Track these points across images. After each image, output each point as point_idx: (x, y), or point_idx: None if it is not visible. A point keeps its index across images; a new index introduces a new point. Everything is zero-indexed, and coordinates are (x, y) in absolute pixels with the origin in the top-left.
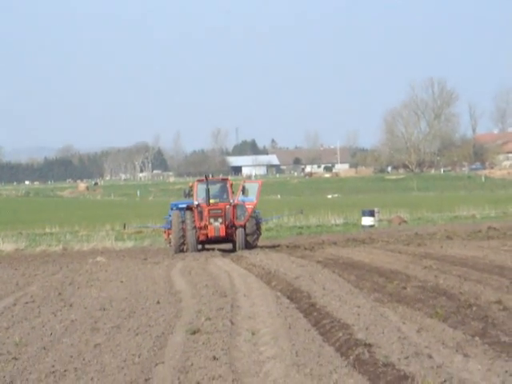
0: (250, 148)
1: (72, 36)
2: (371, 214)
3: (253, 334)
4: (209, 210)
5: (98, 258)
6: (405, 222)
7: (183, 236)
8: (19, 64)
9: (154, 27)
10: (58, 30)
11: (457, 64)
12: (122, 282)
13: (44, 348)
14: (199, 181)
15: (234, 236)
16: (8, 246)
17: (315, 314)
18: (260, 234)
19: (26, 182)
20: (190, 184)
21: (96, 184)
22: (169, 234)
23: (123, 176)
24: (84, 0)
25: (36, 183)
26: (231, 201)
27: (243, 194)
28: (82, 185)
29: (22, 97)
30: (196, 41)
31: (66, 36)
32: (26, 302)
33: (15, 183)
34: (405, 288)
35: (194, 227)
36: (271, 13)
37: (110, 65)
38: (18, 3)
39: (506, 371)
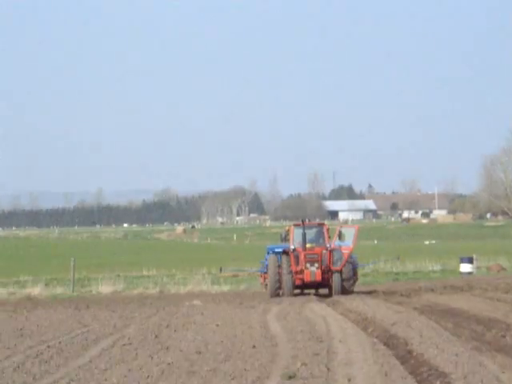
0: (346, 193)
1: (174, 81)
2: (470, 260)
3: (349, 380)
4: (305, 255)
5: (195, 302)
6: (504, 269)
7: (279, 280)
8: (118, 104)
9: (254, 73)
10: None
11: None
12: (217, 325)
13: None
14: (296, 225)
15: (330, 281)
16: (106, 288)
17: (412, 361)
18: (357, 279)
19: (125, 225)
20: (287, 228)
21: (193, 227)
22: (265, 278)
23: (220, 219)
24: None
25: (134, 226)
26: (328, 245)
27: (340, 238)
28: (179, 228)
29: (122, 140)
30: (295, 81)
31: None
32: (124, 344)
33: (114, 226)
34: (504, 336)
35: (291, 271)
36: (371, 56)
37: (208, 105)
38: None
39: None
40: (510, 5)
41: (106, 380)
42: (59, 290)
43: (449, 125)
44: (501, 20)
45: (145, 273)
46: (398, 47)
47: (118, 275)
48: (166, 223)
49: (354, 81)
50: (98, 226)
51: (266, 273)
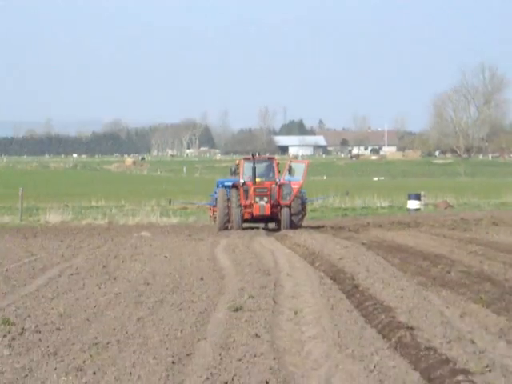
0: (297, 128)
1: (125, 13)
2: (417, 197)
3: (295, 313)
4: (254, 189)
5: (143, 233)
6: (451, 206)
7: (228, 214)
8: (72, 37)
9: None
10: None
11: (508, 50)
12: (166, 257)
13: (87, 320)
14: (246, 159)
15: (279, 215)
16: (54, 218)
17: (358, 295)
18: (305, 214)
19: (74, 155)
20: (237, 162)
21: (143, 159)
22: (214, 212)
23: (170, 152)
24: None
25: (83, 156)
26: (277, 180)
27: (289, 173)
28: (129, 159)
29: (73, 70)
30: (247, 18)
31: (120, 14)
32: (71, 274)
33: (63, 156)
34: (449, 272)
35: (240, 205)
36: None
37: (161, 40)
38: None
39: None
40: None
41: (52, 309)
42: (6, 219)
43: (401, 63)
44: None
45: (93, 203)
46: None
47: (67, 205)
48: (115, 155)
49: (307, 14)
50: (46, 156)
51: (215, 206)
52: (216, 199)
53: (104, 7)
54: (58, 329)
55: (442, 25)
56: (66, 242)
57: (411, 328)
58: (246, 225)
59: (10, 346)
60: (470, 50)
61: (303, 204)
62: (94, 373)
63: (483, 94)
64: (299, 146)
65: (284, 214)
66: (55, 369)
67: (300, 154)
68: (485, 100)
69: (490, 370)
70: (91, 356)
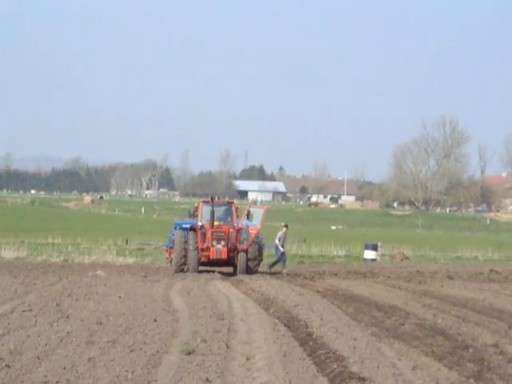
0: (257, 173)
1: (84, 48)
2: (374, 248)
3: (247, 359)
4: (212, 232)
5: (98, 272)
6: (407, 258)
7: (185, 256)
8: (30, 71)
9: (166, 46)
10: (72, 42)
11: (469, 105)
12: (120, 297)
13: (38, 358)
14: (205, 202)
15: (236, 260)
16: (9, 254)
17: (311, 343)
18: (261, 259)
19: (32, 191)
20: (196, 204)
21: (101, 198)
22: (170, 253)
23: (129, 192)
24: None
25: (42, 193)
26: (235, 224)
27: (248, 218)
28: (87, 198)
29: (34, 105)
30: (209, 59)
31: (79, 47)
32: (23, 311)
33: (21, 191)
34: (403, 324)
35: (197, 248)
36: (288, 37)
37: (123, 80)
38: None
39: None
40: None
41: (2, 345)
42: None
43: (362, 113)
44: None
45: (50, 240)
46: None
47: (23, 241)
48: (74, 192)
49: (268, 61)
50: (4, 191)
51: (172, 248)
52: (173, 241)
53: (66, 40)
54: (8, 366)
55: (405, 76)
56: (20, 279)
57: (363, 379)
58: (202, 268)
59: None
60: (431, 102)
61: (260, 249)
62: None
63: (443, 147)
64: (259, 191)
65: (240, 258)
66: None
67: (259, 200)
68: (444, 154)
69: None
70: None
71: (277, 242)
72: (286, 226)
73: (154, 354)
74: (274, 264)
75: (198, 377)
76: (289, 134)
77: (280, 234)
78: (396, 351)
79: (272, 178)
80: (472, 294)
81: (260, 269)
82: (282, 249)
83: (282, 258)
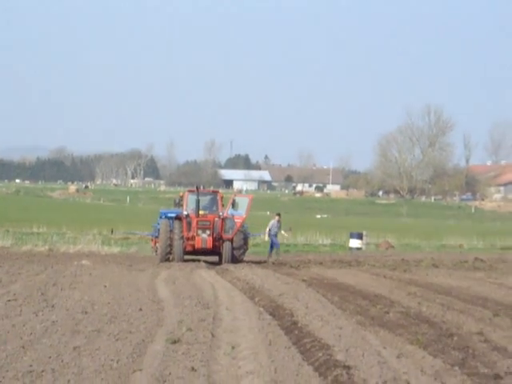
0: (242, 162)
1: (70, 38)
2: (359, 236)
3: (233, 347)
4: (197, 221)
5: (83, 261)
6: (392, 247)
7: (170, 245)
8: (16, 62)
9: (151, 37)
10: (58, 33)
11: (455, 93)
12: (105, 286)
13: (23, 347)
14: (190, 191)
15: (221, 249)
16: None
17: (296, 332)
18: (247, 248)
19: (17, 181)
20: (181, 194)
21: (86, 187)
22: (156, 242)
23: (114, 181)
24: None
25: (27, 182)
26: (220, 213)
27: (233, 207)
28: (72, 187)
29: (19, 95)
30: (195, 50)
31: (65, 38)
32: (8, 300)
33: (6, 181)
34: (387, 313)
35: (182, 237)
36: (274, 28)
37: (109, 69)
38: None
39: None
40: None
41: None
42: None
43: (347, 101)
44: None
45: (35, 230)
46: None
47: (7, 230)
48: (59, 182)
49: (253, 50)
50: None
51: (157, 237)
52: (158, 230)
53: (54, 29)
54: None
55: (390, 64)
56: (5, 268)
57: (348, 367)
58: (187, 257)
59: None
60: (416, 90)
61: (245, 238)
62: None
63: (428, 136)
64: (244, 180)
65: (226, 247)
66: None
67: (244, 189)
68: (429, 142)
69: None
70: None
71: (267, 230)
72: (279, 214)
73: (140, 343)
74: (271, 253)
75: (184, 365)
76: (274, 123)
77: (272, 222)
78: (381, 339)
79: (257, 167)
80: (457, 282)
81: (245, 258)
82: (267, 237)
83: (272, 245)
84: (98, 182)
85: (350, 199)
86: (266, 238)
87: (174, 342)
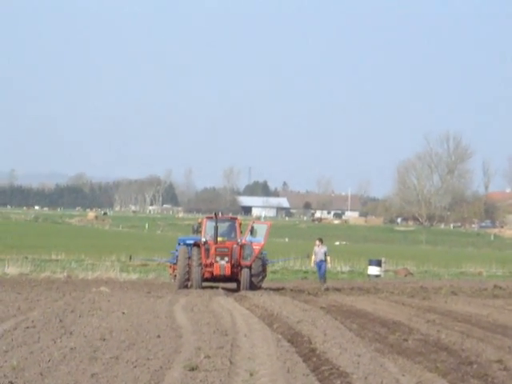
0: (261, 189)
1: (89, 65)
2: (378, 263)
3: (251, 374)
4: (216, 248)
5: (102, 288)
6: (411, 274)
7: (188, 272)
8: (35, 88)
9: (169, 59)
10: (76, 58)
11: (473, 121)
12: (123, 313)
13: (41, 374)
14: (208, 218)
15: (239, 276)
16: (13, 270)
17: (315, 359)
18: (265, 275)
19: (36, 207)
20: (199, 220)
21: (105, 214)
22: (174, 269)
23: (133, 208)
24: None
25: (46, 209)
26: (239, 240)
27: (251, 234)
28: (91, 214)
29: (39, 121)
30: (214, 76)
31: (83, 64)
32: (27, 327)
33: (25, 208)
34: (406, 340)
35: (200, 264)
36: (290, 56)
37: (127, 95)
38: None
39: None
40: None
41: (6, 362)
42: None
43: (365, 128)
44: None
45: (53, 257)
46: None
47: (26, 257)
48: (78, 208)
49: (273, 77)
50: (8, 207)
51: (175, 264)
52: (177, 257)
53: (69, 54)
54: (11, 382)
55: (409, 91)
56: (24, 295)
57: None
58: (205, 284)
59: None
60: (435, 117)
61: (264, 265)
62: None
63: (447, 163)
64: (262, 207)
65: (244, 274)
66: None
67: (263, 215)
68: (448, 169)
69: None
70: None
71: (312, 258)
72: (319, 239)
73: (158, 369)
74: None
75: None
76: (293, 150)
77: (314, 248)
78: (400, 367)
79: (276, 194)
80: (476, 309)
81: (264, 284)
82: (312, 263)
83: (319, 273)
84: (117, 208)
85: (368, 226)
86: (312, 264)
87: (192, 369)
